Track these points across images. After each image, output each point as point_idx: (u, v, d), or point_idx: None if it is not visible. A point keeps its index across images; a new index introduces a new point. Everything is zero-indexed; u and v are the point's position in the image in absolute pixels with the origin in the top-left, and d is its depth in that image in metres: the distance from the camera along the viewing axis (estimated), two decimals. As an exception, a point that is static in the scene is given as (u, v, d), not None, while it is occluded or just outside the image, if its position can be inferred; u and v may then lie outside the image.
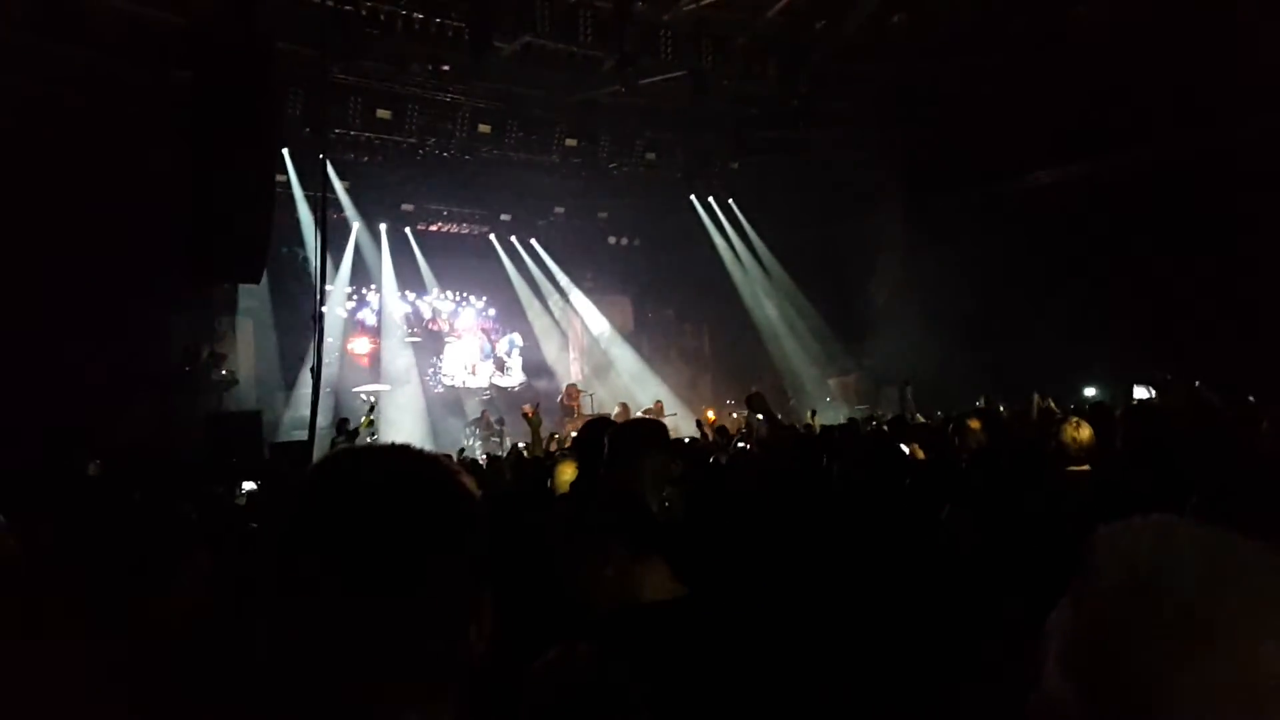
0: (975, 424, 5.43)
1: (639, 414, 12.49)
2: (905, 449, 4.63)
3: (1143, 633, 0.70)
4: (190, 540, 2.10)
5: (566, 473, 4.07)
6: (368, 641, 0.81)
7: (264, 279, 9.73)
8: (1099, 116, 11.19)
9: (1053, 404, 7.93)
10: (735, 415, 14.88)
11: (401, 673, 0.83)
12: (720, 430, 9.91)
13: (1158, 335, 10.27)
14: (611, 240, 17.81)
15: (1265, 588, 0.71)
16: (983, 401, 9.64)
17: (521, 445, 10.20)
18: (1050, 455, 3.86)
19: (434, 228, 16.09)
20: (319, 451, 9.88)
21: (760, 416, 5.90)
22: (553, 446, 8.85)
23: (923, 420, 8.80)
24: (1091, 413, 4.98)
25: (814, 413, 12.63)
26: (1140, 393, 8.80)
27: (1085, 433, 3.91)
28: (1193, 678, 0.67)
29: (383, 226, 15.34)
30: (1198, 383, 7.10)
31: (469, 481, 0.92)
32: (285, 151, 12.09)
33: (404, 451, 0.94)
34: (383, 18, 9.62)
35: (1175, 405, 6.73)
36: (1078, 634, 0.74)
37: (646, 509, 1.88)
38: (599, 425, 3.27)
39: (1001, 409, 7.99)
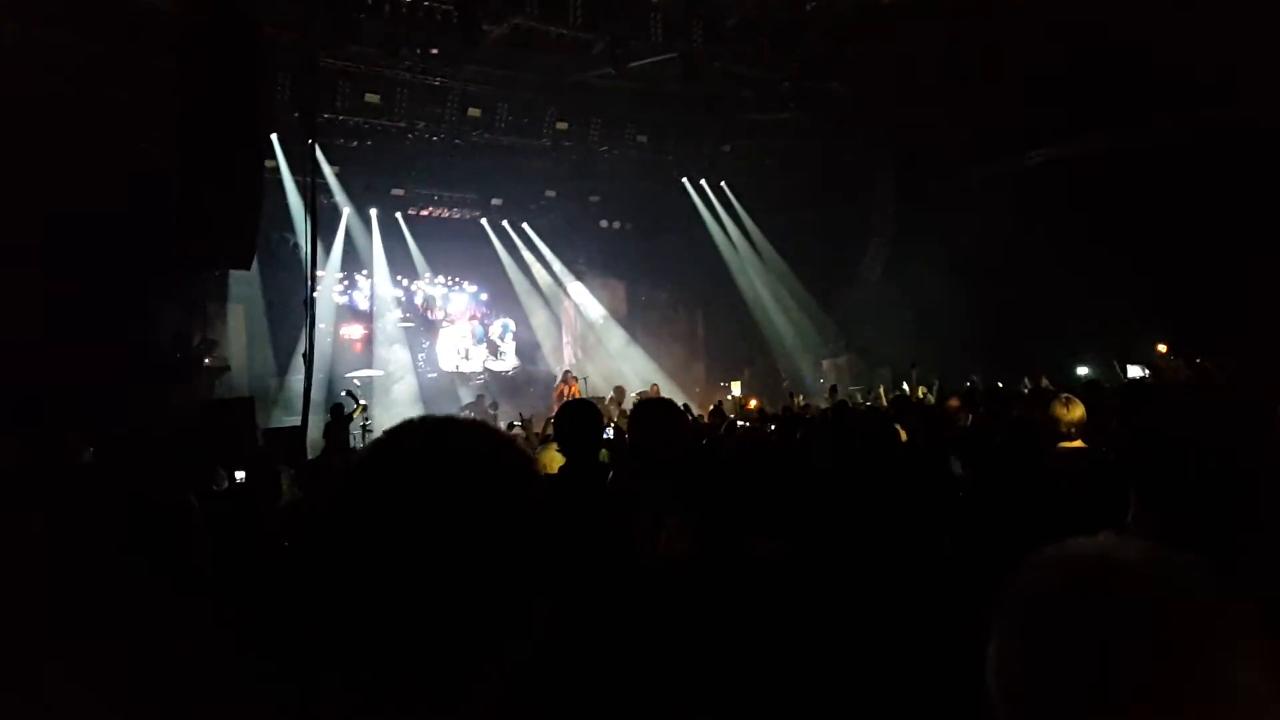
0: (954, 402, 5.48)
1: (633, 396, 12.49)
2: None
3: (1072, 675, 0.66)
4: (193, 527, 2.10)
5: (550, 456, 3.97)
6: (415, 627, 0.74)
7: (254, 265, 9.69)
8: (1093, 97, 11.17)
9: (1047, 382, 7.96)
10: (730, 397, 14.93)
11: (446, 670, 0.76)
12: (715, 411, 9.94)
13: (1152, 315, 10.29)
14: (603, 224, 17.73)
15: (1214, 617, 0.66)
16: (976, 379, 9.67)
17: (518, 423, 10.29)
18: (1042, 432, 3.83)
19: (425, 212, 16.01)
20: (312, 437, 9.90)
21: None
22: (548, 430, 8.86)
23: (930, 400, 8.82)
24: (1085, 391, 4.99)
25: (795, 395, 12.76)
26: (1135, 371, 8.86)
27: (1077, 412, 3.88)
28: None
29: (373, 211, 15.25)
30: (1198, 359, 7.13)
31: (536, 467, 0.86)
32: (274, 137, 12.00)
33: (479, 429, 0.86)
34: (370, 1, 9.53)
35: (1172, 384, 6.77)
36: (1007, 665, 0.71)
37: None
38: (580, 409, 3.13)
39: (1000, 385, 8.03)
